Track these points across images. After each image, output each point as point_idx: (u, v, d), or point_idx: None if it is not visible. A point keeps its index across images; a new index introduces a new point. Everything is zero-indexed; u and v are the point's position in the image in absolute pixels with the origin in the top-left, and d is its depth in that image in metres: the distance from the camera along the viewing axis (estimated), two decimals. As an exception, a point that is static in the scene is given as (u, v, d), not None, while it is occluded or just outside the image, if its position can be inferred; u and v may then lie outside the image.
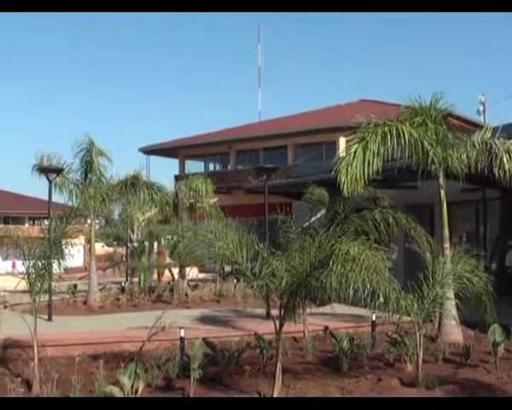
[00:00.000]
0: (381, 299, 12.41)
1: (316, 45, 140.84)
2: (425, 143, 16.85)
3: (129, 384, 10.57)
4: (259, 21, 65.57)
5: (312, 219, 23.13)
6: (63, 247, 13.62)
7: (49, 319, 22.22)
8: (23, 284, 13.51)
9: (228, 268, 33.13)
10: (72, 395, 11.35)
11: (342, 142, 40.22)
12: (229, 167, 54.28)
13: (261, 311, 20.11)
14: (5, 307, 13.14)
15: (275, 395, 11.44)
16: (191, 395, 11.78)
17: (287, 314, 11.82)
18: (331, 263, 10.89)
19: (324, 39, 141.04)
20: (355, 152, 16.58)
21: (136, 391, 10.66)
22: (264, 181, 25.19)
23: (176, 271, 32.60)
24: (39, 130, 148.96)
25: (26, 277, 13.24)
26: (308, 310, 15.91)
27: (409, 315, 13.00)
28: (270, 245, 12.72)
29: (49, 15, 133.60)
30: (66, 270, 15.10)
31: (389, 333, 15.29)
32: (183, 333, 14.95)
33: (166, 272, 35.77)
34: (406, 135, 16.64)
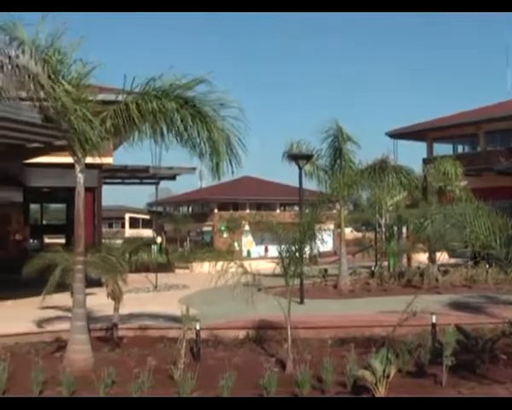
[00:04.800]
0: None
1: None
2: None
3: (380, 369, 10.60)
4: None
5: None
6: (315, 232, 13.90)
7: (301, 301, 22.83)
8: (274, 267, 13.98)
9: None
10: (323, 377, 11.52)
11: None
12: (478, 149, 52.59)
13: (516, 298, 19.38)
14: (259, 289, 13.66)
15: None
16: (443, 383, 11.61)
17: (545, 302, 11.32)
18: None
19: None
20: None
21: (388, 376, 10.65)
22: (518, 162, 24.13)
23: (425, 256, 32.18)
24: (288, 118, 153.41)
25: (280, 261, 13.70)
26: None
27: None
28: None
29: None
30: (318, 254, 15.41)
31: None
32: (434, 319, 14.72)
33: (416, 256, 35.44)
34: None
